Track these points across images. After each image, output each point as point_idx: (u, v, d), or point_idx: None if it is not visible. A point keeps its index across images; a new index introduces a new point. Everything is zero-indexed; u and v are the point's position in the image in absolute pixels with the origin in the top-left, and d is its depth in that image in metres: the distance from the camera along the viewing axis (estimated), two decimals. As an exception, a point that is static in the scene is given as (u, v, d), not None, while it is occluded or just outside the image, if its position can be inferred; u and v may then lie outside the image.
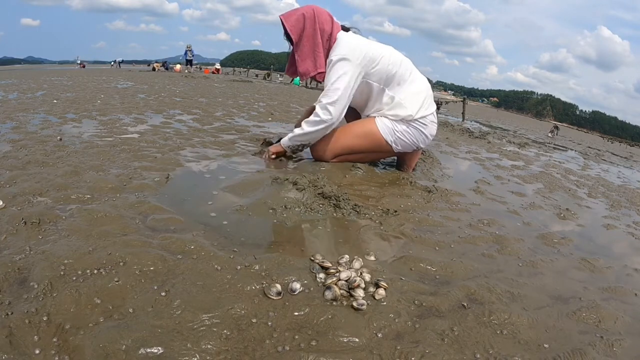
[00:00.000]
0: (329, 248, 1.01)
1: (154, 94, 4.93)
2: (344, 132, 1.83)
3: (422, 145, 1.87)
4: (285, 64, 1.95)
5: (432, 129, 1.84)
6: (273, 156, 1.85)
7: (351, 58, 1.69)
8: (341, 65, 1.69)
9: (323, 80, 1.79)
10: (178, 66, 19.91)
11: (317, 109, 1.72)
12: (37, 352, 0.57)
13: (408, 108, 1.76)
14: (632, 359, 0.73)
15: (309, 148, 1.86)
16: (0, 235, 0.89)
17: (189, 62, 18.81)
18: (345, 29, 1.85)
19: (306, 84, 13.70)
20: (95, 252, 0.83)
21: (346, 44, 1.73)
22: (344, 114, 1.76)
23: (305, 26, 1.75)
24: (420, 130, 1.80)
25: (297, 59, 1.79)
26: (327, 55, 1.78)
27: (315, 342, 0.65)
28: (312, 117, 1.74)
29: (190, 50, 18.30)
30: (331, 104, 1.69)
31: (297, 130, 1.77)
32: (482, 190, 1.84)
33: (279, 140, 1.89)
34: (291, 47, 1.83)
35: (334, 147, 1.80)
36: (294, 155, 1.90)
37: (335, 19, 1.81)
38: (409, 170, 1.94)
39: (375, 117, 1.81)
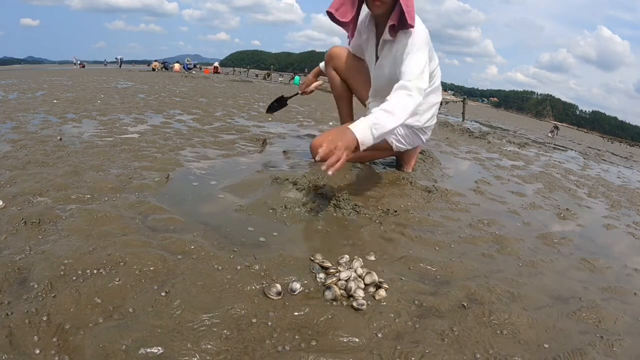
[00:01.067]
0: (329, 248, 1.01)
1: (154, 94, 4.93)
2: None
3: (417, 146, 1.90)
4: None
5: (429, 134, 1.88)
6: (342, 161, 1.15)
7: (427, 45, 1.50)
8: (428, 53, 1.48)
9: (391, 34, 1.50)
10: (177, 65, 20.13)
11: (416, 93, 1.33)
12: (37, 352, 0.57)
13: (421, 119, 1.75)
14: (632, 359, 0.73)
15: (309, 148, 1.85)
16: (0, 235, 0.89)
17: (189, 69, 21.74)
18: None
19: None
20: (95, 252, 0.83)
21: (423, 29, 1.50)
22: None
23: None
24: (419, 136, 1.83)
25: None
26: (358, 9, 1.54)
27: (315, 342, 0.65)
28: (411, 103, 1.31)
29: (190, 64, 23.92)
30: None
31: (389, 124, 1.23)
32: (482, 190, 1.84)
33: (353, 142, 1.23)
34: None
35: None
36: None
37: None
38: (408, 168, 1.94)
39: None
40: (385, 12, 1.49)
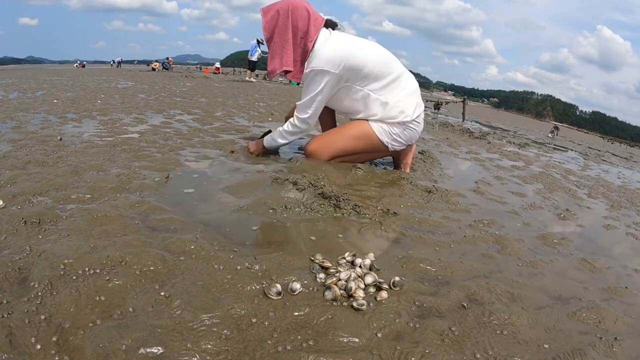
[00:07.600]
0: (329, 248, 1.01)
1: (154, 93, 4.93)
2: (339, 134, 1.84)
3: (414, 141, 1.91)
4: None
5: (422, 124, 1.88)
6: (253, 154, 1.91)
7: (331, 69, 1.65)
8: (319, 80, 1.67)
9: (291, 79, 1.77)
10: (170, 59, 20.39)
11: (296, 121, 1.79)
12: (37, 351, 0.57)
13: (406, 111, 1.77)
14: (631, 359, 0.73)
15: (304, 149, 1.89)
16: (0, 235, 0.89)
17: (252, 65, 12.30)
18: (332, 23, 1.79)
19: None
20: (95, 252, 0.83)
21: (326, 52, 1.66)
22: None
23: (278, 23, 1.69)
24: (414, 129, 1.83)
25: (268, 55, 1.76)
26: (302, 56, 1.71)
27: (315, 342, 0.65)
28: (291, 128, 1.82)
29: (262, 43, 10.80)
30: (310, 117, 1.76)
31: (280, 140, 1.86)
32: (482, 190, 1.84)
33: (263, 136, 1.95)
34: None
35: (329, 150, 1.81)
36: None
37: (315, 13, 1.72)
38: (406, 168, 1.95)
39: (369, 120, 1.80)
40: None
